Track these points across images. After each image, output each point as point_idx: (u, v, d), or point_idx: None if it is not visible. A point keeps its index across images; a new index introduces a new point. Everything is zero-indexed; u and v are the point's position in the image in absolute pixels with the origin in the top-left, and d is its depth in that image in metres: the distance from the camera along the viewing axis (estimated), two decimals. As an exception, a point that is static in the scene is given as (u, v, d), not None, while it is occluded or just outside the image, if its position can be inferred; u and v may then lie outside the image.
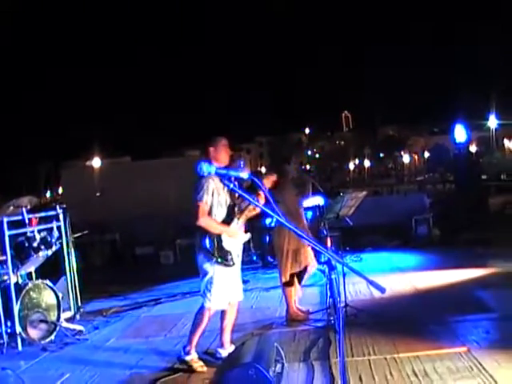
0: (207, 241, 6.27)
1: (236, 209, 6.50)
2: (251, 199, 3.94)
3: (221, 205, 6.41)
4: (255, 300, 9.65)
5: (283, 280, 7.98)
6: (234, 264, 6.43)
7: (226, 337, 6.77)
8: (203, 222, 6.27)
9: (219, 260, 6.30)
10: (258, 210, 6.55)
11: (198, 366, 6.45)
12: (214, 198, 6.34)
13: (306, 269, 8.09)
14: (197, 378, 6.19)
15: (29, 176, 64.46)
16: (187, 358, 6.52)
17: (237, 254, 6.51)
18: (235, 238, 6.48)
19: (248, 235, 6.69)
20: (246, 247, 12.09)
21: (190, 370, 6.42)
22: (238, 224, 6.52)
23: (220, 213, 6.41)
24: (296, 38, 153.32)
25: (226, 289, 6.46)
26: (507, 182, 29.64)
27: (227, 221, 6.44)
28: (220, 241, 6.30)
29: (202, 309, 6.51)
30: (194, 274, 7.19)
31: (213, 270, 6.35)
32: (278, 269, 8.15)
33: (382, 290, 3.36)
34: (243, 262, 11.29)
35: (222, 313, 6.68)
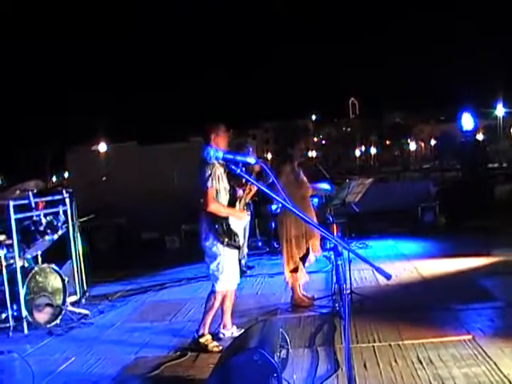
0: (217, 225, 6.42)
1: (237, 193, 6.69)
2: (258, 184, 3.93)
3: (225, 189, 6.58)
4: (260, 286, 9.67)
5: (291, 266, 7.97)
6: (240, 245, 6.67)
7: (228, 318, 6.97)
8: (213, 207, 6.40)
9: (229, 242, 6.48)
10: (253, 192, 6.85)
11: (214, 346, 6.56)
12: (220, 183, 6.47)
13: (308, 253, 8.09)
14: (202, 363, 6.19)
15: (35, 160, 64.42)
16: (202, 339, 6.61)
17: (241, 235, 6.73)
18: (241, 220, 6.70)
19: (249, 217, 6.91)
20: (252, 233, 12.10)
21: (205, 350, 6.49)
22: (240, 207, 6.71)
23: (224, 197, 6.56)
24: (304, 23, 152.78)
25: (234, 270, 6.69)
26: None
27: (230, 205, 6.61)
28: (228, 224, 6.47)
29: (213, 292, 6.68)
30: (199, 260, 7.23)
31: (223, 252, 6.51)
32: (281, 255, 8.16)
33: (388, 277, 3.36)
34: (249, 248, 11.42)
35: (223, 296, 6.80)
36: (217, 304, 6.69)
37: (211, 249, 6.53)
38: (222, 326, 6.94)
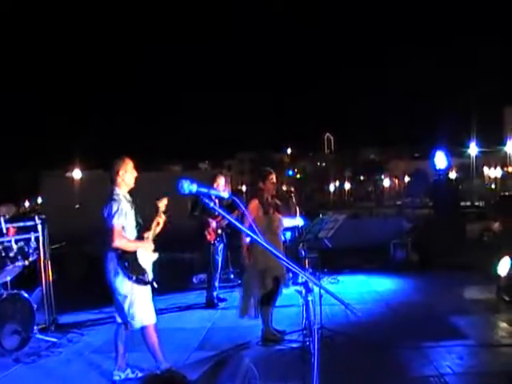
0: (125, 261, 6.37)
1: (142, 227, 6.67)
2: (230, 218, 3.95)
3: (131, 225, 6.53)
4: (231, 319, 9.61)
5: (264, 299, 7.98)
6: (149, 281, 6.57)
7: (122, 359, 6.86)
8: (119, 243, 6.33)
9: (138, 278, 6.43)
10: (162, 225, 6.79)
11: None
12: (126, 218, 6.43)
13: (278, 289, 8.10)
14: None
15: (7, 185, 63.94)
16: None
17: (150, 271, 6.62)
18: (148, 251, 6.60)
19: (157, 254, 6.74)
20: (224, 265, 12.07)
21: None
22: (149, 240, 6.65)
23: (131, 232, 6.52)
24: (282, 59, 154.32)
25: (147, 305, 6.62)
26: (484, 208, 29.94)
27: (138, 239, 6.58)
28: (136, 260, 6.42)
29: (142, 330, 6.64)
30: (171, 289, 7.19)
31: (132, 289, 6.46)
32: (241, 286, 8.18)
33: (357, 314, 3.38)
34: (221, 281, 11.37)
35: (121, 335, 6.79)
36: (155, 337, 6.64)
37: (121, 286, 6.48)
38: (117, 369, 6.77)
